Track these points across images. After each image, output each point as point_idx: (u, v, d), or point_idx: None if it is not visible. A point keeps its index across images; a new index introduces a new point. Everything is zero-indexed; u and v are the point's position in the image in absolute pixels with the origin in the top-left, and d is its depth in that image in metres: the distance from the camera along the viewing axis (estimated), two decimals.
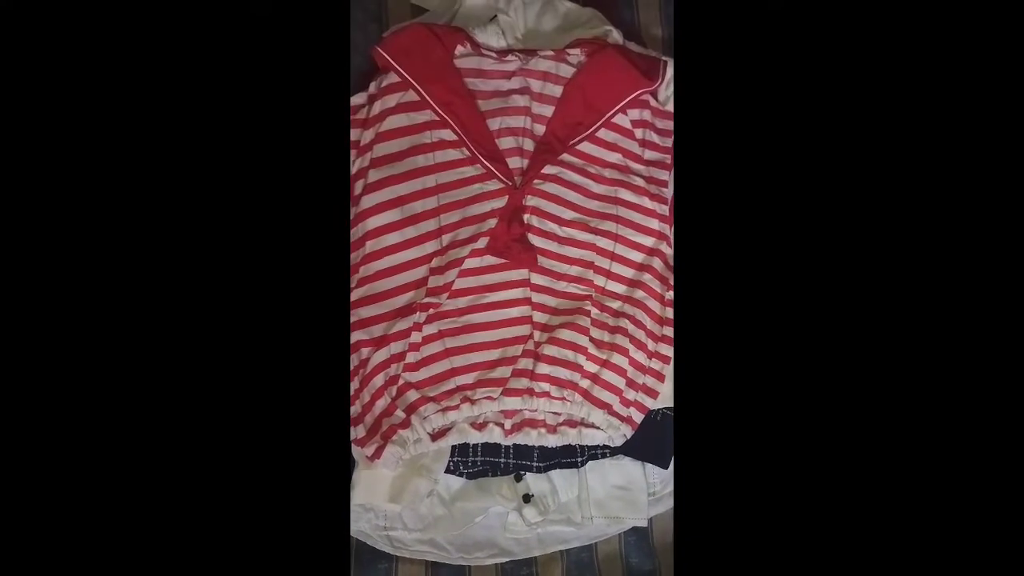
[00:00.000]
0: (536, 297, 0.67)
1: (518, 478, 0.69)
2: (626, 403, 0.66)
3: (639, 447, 0.70)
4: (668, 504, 0.72)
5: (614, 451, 0.69)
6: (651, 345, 0.67)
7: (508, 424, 0.65)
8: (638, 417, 0.67)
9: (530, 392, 0.64)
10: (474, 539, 0.69)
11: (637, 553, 0.72)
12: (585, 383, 0.65)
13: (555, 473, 0.69)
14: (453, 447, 0.67)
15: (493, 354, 0.66)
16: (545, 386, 0.65)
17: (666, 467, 0.70)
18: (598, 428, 0.66)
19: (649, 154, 0.71)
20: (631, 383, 0.66)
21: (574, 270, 0.68)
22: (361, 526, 0.68)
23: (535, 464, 0.68)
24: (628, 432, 0.67)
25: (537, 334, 0.66)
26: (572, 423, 0.66)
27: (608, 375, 0.66)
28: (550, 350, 0.65)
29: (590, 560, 0.71)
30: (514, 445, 0.67)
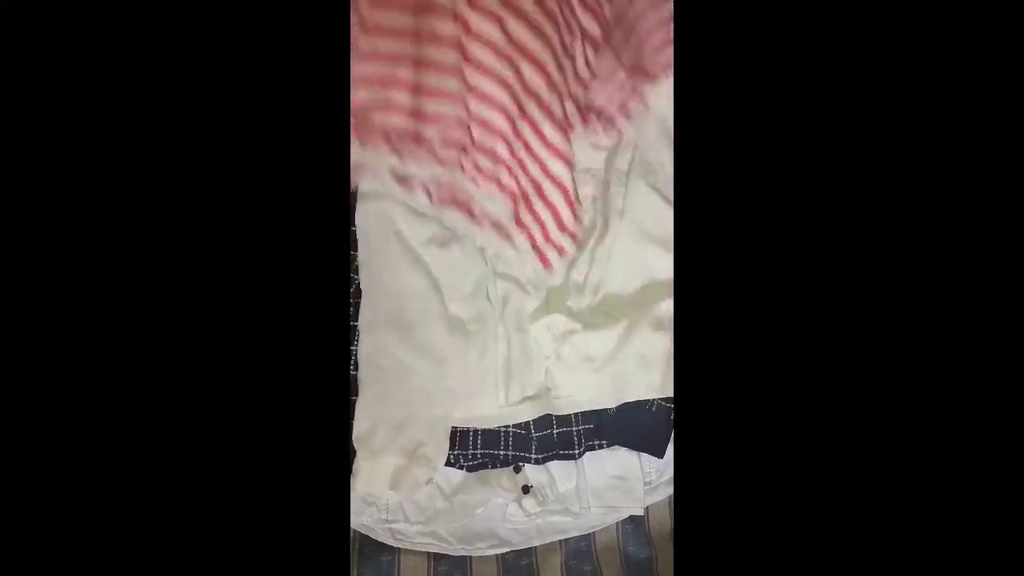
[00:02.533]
0: None
1: (517, 470, 0.70)
2: (546, 237, 0.67)
3: (635, 438, 0.71)
4: (664, 493, 0.73)
5: (610, 443, 0.70)
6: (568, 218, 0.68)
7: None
8: (554, 259, 0.68)
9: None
10: (475, 530, 0.71)
11: (634, 542, 0.73)
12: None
13: (553, 464, 0.71)
14: (453, 440, 0.68)
15: None
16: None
17: (661, 457, 0.72)
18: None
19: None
20: (560, 224, 0.67)
21: None
22: (363, 519, 0.69)
23: (533, 456, 0.69)
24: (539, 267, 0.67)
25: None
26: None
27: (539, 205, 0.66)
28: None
29: (588, 549, 0.73)
30: (512, 437, 0.69)
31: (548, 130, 0.66)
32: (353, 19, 0.60)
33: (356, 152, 0.63)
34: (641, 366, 0.69)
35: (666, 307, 0.69)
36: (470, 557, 0.71)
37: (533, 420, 0.69)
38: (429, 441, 0.66)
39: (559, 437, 0.69)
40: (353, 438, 0.66)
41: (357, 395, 0.67)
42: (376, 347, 0.67)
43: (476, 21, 0.62)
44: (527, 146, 0.66)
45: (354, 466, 0.66)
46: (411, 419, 0.66)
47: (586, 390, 0.69)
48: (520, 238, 0.67)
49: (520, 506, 0.70)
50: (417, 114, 0.63)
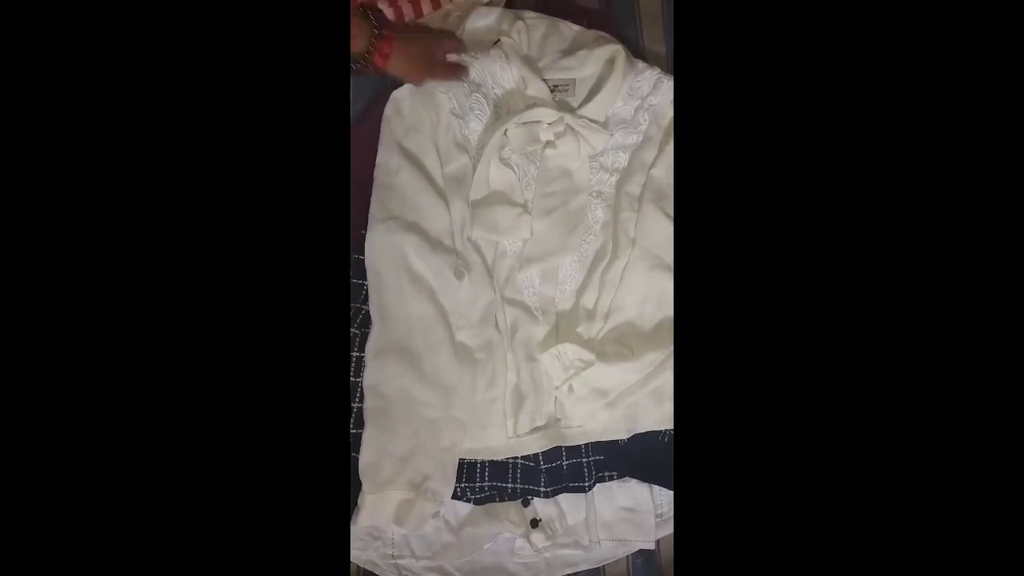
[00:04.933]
0: None
1: (525, 503, 0.69)
2: None
3: (646, 469, 0.70)
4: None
5: (621, 474, 0.69)
6: None
7: None
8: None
9: None
10: (482, 564, 0.69)
11: (645, 575, 0.72)
12: None
13: (562, 497, 0.69)
14: (460, 472, 0.66)
15: None
16: None
17: (672, 488, 0.70)
18: None
19: None
20: None
21: None
22: (369, 555, 0.67)
23: (542, 489, 0.67)
24: None
25: None
26: None
27: None
28: None
29: None
30: (521, 469, 0.67)
31: None
32: None
33: None
34: (654, 399, 0.67)
35: None
36: None
37: (542, 451, 0.68)
38: (436, 474, 0.65)
39: (569, 469, 0.68)
40: (359, 470, 0.64)
41: (363, 427, 0.65)
42: (382, 377, 0.66)
43: None
44: None
45: (359, 499, 0.64)
46: (418, 451, 0.65)
47: (597, 421, 0.68)
48: None
49: (529, 541, 0.68)
50: None
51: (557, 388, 0.67)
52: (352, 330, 0.68)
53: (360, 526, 0.64)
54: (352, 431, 0.66)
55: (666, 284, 0.69)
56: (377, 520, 0.64)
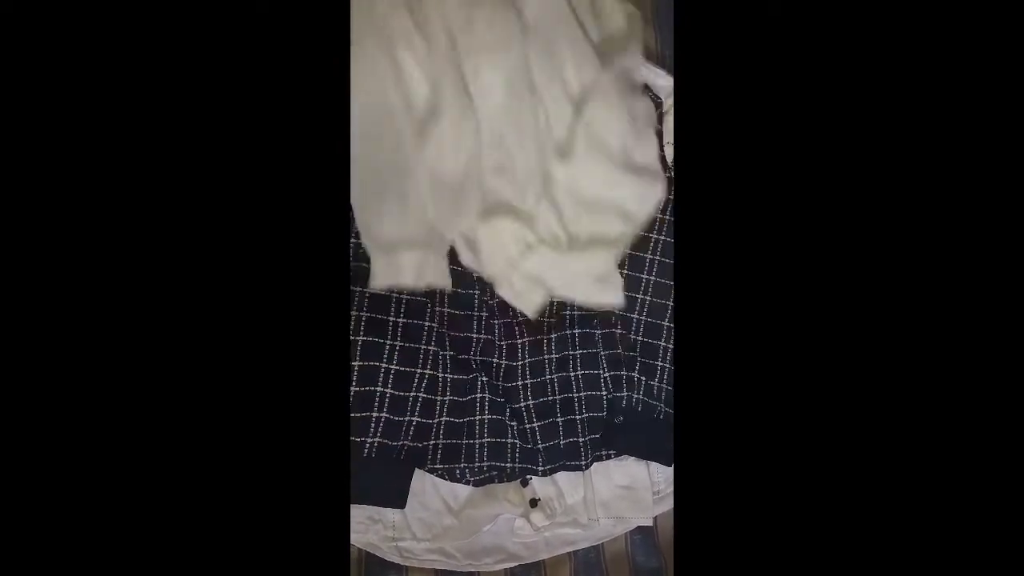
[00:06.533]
0: None
1: (524, 483, 0.69)
2: None
3: (642, 446, 0.70)
4: (672, 502, 0.73)
5: (618, 452, 0.70)
6: None
7: None
8: None
9: None
10: (482, 545, 0.70)
11: (643, 551, 0.73)
12: None
13: (561, 476, 0.70)
14: (459, 453, 0.66)
15: None
16: None
17: (670, 465, 0.71)
18: None
19: None
20: None
21: None
22: (370, 538, 0.67)
23: (540, 468, 0.68)
24: None
25: None
26: None
27: None
28: None
29: (597, 560, 0.72)
30: (520, 449, 0.68)
31: None
32: None
33: None
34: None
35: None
36: (478, 572, 0.70)
37: (539, 429, 0.68)
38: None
39: (565, 447, 0.69)
40: (360, 240, 0.62)
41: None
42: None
43: None
44: None
45: (370, 264, 0.61)
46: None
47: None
48: None
49: (528, 521, 0.69)
50: None
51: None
52: (352, 313, 0.67)
53: (377, 286, 0.61)
54: (352, 415, 0.66)
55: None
56: (394, 279, 0.61)
